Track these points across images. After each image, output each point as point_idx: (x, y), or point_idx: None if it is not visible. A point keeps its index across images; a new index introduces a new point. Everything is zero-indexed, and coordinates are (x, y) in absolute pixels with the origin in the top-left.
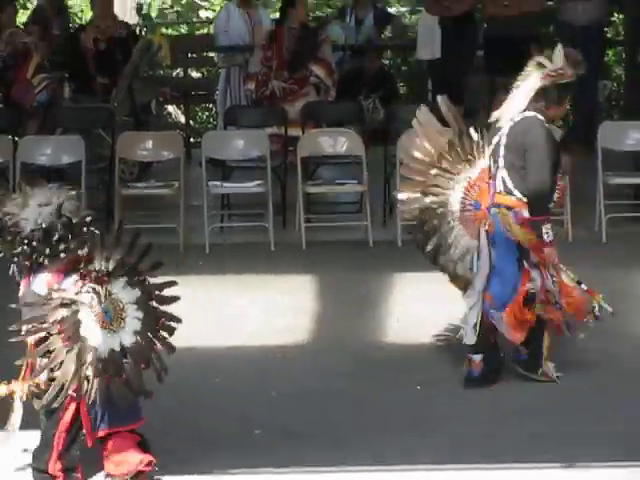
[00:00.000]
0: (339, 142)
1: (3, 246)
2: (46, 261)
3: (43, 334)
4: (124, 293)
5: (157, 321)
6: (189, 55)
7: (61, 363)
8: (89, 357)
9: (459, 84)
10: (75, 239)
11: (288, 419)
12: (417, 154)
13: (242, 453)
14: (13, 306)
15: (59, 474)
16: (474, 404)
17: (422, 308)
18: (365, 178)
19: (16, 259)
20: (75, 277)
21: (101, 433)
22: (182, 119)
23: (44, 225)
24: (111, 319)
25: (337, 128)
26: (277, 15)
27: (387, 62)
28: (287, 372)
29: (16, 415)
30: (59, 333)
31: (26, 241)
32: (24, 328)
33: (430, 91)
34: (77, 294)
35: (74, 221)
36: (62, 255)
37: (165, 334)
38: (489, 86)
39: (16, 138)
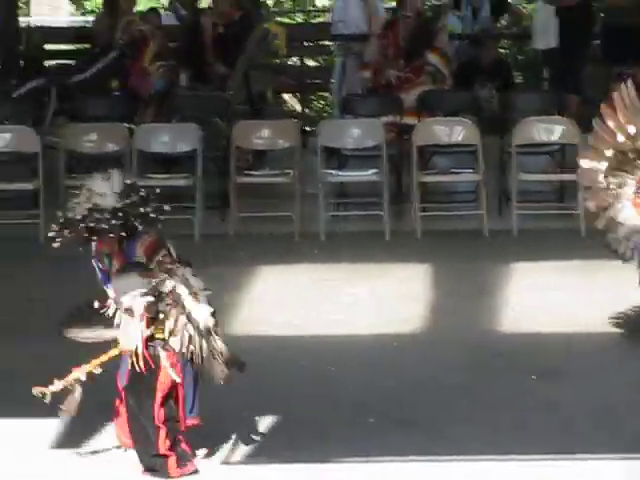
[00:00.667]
0: (455, 131)
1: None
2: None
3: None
4: (194, 280)
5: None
6: (305, 44)
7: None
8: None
9: (576, 73)
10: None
11: (402, 408)
12: (611, 124)
13: (356, 441)
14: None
15: (170, 452)
16: (586, 393)
17: (538, 297)
18: (481, 167)
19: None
20: (164, 252)
21: (193, 422)
22: (298, 107)
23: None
24: None
25: (453, 117)
26: (393, 4)
27: (503, 51)
28: (402, 361)
29: (75, 399)
30: (170, 304)
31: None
32: (136, 301)
33: (546, 80)
34: (170, 269)
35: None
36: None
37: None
38: (607, 75)
39: (132, 126)
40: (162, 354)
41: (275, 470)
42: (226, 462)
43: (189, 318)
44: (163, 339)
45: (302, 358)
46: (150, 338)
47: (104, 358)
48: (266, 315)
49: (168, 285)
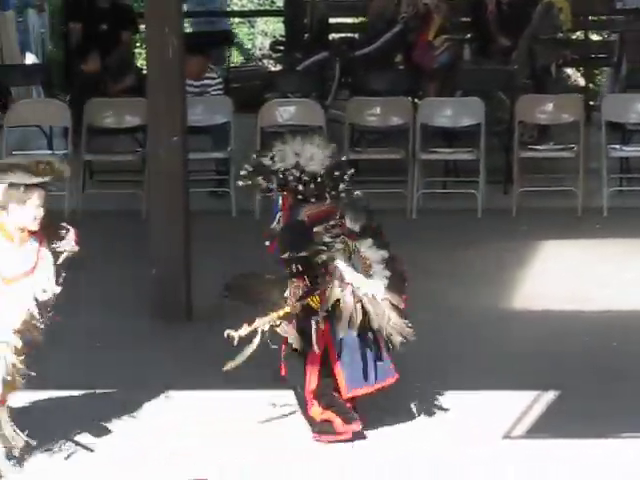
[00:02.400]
0: None
1: (280, 184)
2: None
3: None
4: (371, 252)
5: (403, 282)
6: (589, 18)
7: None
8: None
9: None
10: (333, 191)
11: None
12: None
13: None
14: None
15: (326, 416)
16: None
17: None
18: None
19: (285, 196)
20: (333, 222)
21: (350, 394)
22: (581, 82)
23: (328, 167)
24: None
25: None
26: None
27: None
28: None
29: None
30: (324, 275)
31: (316, 178)
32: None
33: None
34: (333, 240)
35: (335, 175)
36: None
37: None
38: None
39: (416, 100)
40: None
41: (558, 446)
42: (507, 436)
43: (351, 291)
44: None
45: (584, 333)
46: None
47: (282, 313)
48: (548, 290)
49: (323, 257)
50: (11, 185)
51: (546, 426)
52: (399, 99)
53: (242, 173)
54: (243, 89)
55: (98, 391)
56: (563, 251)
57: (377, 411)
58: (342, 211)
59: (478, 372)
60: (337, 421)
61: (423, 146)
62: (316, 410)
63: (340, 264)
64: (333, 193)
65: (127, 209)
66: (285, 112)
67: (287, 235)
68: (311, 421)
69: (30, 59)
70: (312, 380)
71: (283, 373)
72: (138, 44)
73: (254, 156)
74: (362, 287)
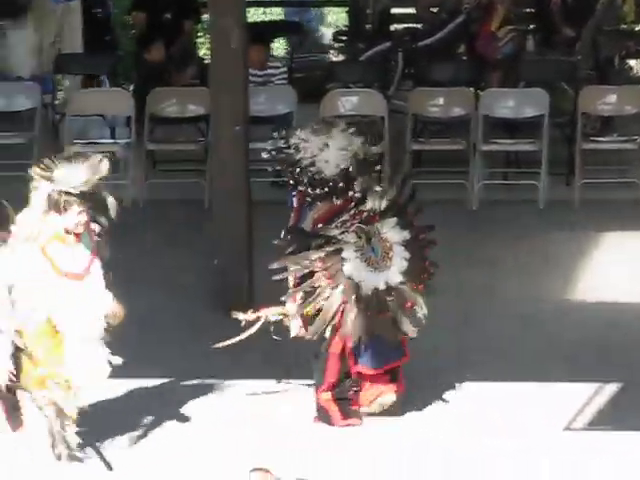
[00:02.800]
0: None
1: (295, 183)
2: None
3: (306, 271)
4: (393, 233)
5: (423, 263)
6: None
7: (326, 299)
8: (353, 295)
9: None
10: (361, 179)
11: None
12: None
13: None
14: (275, 242)
15: (327, 404)
16: None
17: None
18: None
19: (298, 193)
20: (345, 217)
21: (361, 370)
22: None
23: (344, 168)
24: (378, 257)
25: None
26: None
27: None
28: None
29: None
30: (322, 270)
31: (326, 184)
32: (289, 264)
33: None
34: (342, 233)
35: (366, 163)
36: (344, 197)
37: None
38: None
39: (479, 91)
40: None
41: (618, 439)
42: (568, 428)
43: (345, 289)
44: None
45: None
46: None
47: (281, 310)
48: (609, 281)
49: (322, 252)
50: (54, 191)
51: (607, 418)
52: (461, 90)
53: (264, 155)
54: (306, 79)
55: (152, 380)
56: (625, 243)
57: (436, 400)
58: (362, 196)
59: (537, 363)
60: (336, 414)
61: (485, 137)
62: (325, 396)
63: (348, 255)
64: (349, 190)
65: (189, 198)
66: (347, 102)
67: (289, 243)
68: (317, 404)
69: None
70: (332, 373)
71: None
72: (201, 34)
73: (277, 134)
74: (365, 281)
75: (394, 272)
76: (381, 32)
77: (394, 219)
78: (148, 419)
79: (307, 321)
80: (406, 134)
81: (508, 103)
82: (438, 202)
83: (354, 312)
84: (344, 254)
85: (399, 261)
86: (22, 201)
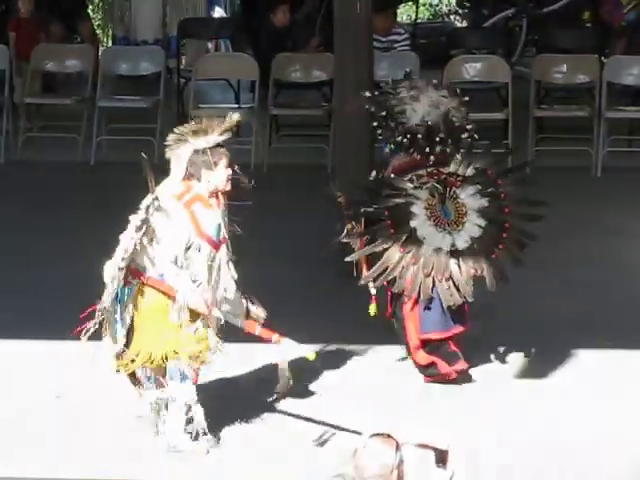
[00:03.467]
0: None
1: (383, 129)
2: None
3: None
4: (471, 199)
5: (502, 233)
6: None
7: (387, 249)
8: (414, 248)
9: None
10: (452, 142)
11: None
12: None
13: None
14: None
15: (427, 360)
16: None
17: None
18: None
19: (389, 144)
20: (421, 172)
21: (423, 336)
22: None
23: (429, 123)
24: (449, 220)
25: None
26: None
27: None
28: None
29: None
30: (388, 219)
31: (408, 134)
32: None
33: None
34: (416, 188)
35: (456, 126)
36: (423, 152)
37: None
38: None
39: (603, 58)
40: None
41: None
42: None
43: (407, 241)
44: None
45: None
46: None
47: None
48: None
49: (391, 201)
50: (196, 152)
51: None
52: (586, 57)
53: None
54: (429, 45)
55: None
56: None
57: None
58: (444, 156)
59: None
60: (442, 365)
61: (609, 104)
62: (422, 355)
63: (417, 210)
64: (430, 147)
65: (313, 163)
66: (471, 68)
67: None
68: (418, 366)
69: (218, 13)
70: (412, 331)
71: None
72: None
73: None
74: (429, 239)
75: (463, 236)
76: None
77: (475, 187)
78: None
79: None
80: (530, 101)
81: (632, 70)
82: (562, 169)
83: (412, 268)
84: (413, 208)
85: (471, 227)
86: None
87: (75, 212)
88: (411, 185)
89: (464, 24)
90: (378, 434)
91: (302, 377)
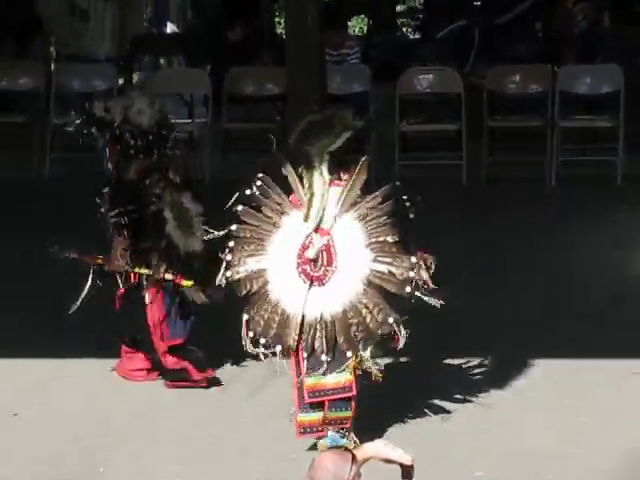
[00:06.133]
0: None
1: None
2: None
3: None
4: (191, 205)
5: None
6: None
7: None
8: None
9: None
10: (157, 149)
11: None
12: None
13: None
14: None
15: (176, 366)
16: None
17: None
18: None
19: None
20: (155, 178)
21: (170, 342)
22: None
23: (139, 126)
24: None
25: None
26: None
27: None
28: None
29: None
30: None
31: (146, 136)
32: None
33: None
34: (158, 193)
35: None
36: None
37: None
38: None
39: (555, 67)
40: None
41: None
42: None
43: (169, 243)
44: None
45: None
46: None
47: None
48: None
49: (153, 208)
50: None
51: None
52: (539, 66)
53: (73, 121)
54: (382, 57)
55: None
56: None
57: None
58: (166, 164)
59: (617, 340)
60: (192, 368)
61: (562, 113)
62: (171, 360)
63: (168, 215)
64: (161, 149)
65: None
66: (424, 80)
67: (118, 191)
68: (168, 371)
69: (170, 28)
70: (159, 337)
71: None
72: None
73: (87, 105)
74: (180, 243)
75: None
76: (457, 9)
77: (189, 192)
78: None
79: None
80: (483, 111)
81: (585, 79)
82: (516, 179)
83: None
84: (165, 214)
85: (199, 232)
86: None
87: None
88: (158, 190)
89: (416, 36)
90: (335, 447)
91: None
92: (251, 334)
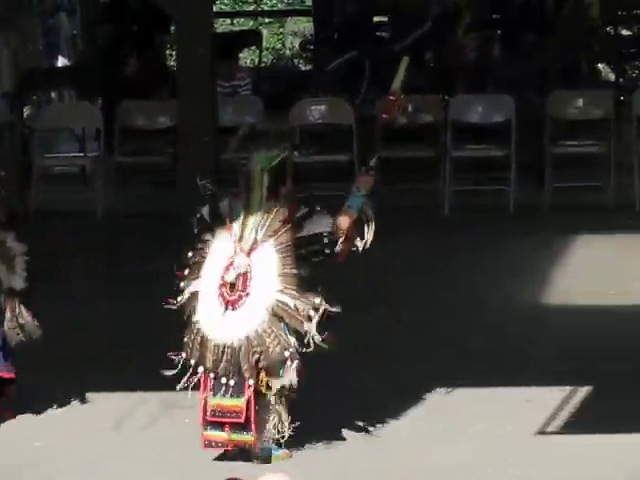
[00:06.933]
0: None
1: None
2: None
3: None
4: (15, 244)
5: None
6: (619, 13)
7: None
8: None
9: None
10: None
11: None
12: None
13: None
14: None
15: None
16: None
17: None
18: None
19: None
20: None
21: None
22: (612, 77)
23: None
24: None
25: None
26: None
27: None
28: None
29: None
30: None
31: None
32: None
33: None
34: None
35: None
36: None
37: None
38: None
39: (447, 97)
40: None
41: (589, 443)
42: (541, 432)
43: None
44: None
45: (617, 328)
46: None
47: None
48: (581, 285)
49: None
50: None
51: (578, 423)
52: (430, 96)
53: None
54: (274, 89)
55: None
56: (596, 246)
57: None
58: None
59: (508, 368)
60: None
61: (454, 143)
62: None
63: None
64: None
65: (161, 209)
66: (316, 111)
67: None
68: None
69: (61, 62)
70: None
71: None
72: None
73: None
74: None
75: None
76: (348, 40)
77: (14, 232)
78: None
79: None
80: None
81: (476, 108)
82: (410, 209)
83: None
84: None
85: (21, 271)
86: None
87: None
88: None
89: (308, 67)
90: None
91: None
92: (184, 355)
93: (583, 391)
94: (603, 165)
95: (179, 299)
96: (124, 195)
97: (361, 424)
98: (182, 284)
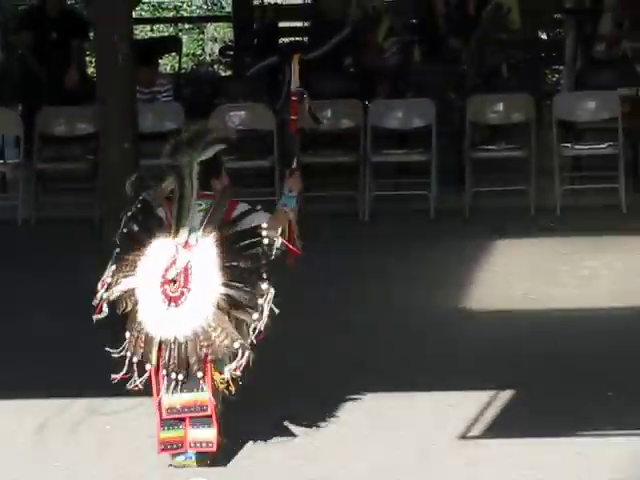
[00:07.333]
0: None
1: None
2: None
3: None
4: None
5: None
6: (539, 17)
7: None
8: None
9: None
10: None
11: None
12: None
13: (593, 417)
14: None
15: None
16: None
17: None
18: None
19: None
20: None
21: None
22: (531, 81)
23: None
24: None
25: None
26: None
27: None
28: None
29: None
30: None
31: None
32: None
33: None
34: None
35: None
36: None
37: None
38: None
39: (367, 102)
40: None
41: (512, 447)
42: (462, 437)
43: None
44: None
45: (540, 332)
46: None
47: None
48: (503, 290)
49: None
50: None
51: (501, 427)
52: (349, 101)
53: None
54: (194, 95)
55: None
56: (518, 250)
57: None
58: None
59: (431, 373)
60: None
61: (374, 148)
62: None
63: None
64: None
65: (81, 216)
66: (235, 117)
67: None
68: None
69: None
70: None
71: None
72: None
73: None
74: None
75: None
76: (268, 46)
77: None
78: None
79: None
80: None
81: (396, 114)
82: (330, 215)
83: None
84: None
85: None
86: None
87: None
88: None
89: (228, 73)
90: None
91: None
92: (129, 353)
93: (505, 395)
94: (524, 169)
95: (105, 295)
96: (44, 202)
97: (280, 431)
98: (109, 280)
